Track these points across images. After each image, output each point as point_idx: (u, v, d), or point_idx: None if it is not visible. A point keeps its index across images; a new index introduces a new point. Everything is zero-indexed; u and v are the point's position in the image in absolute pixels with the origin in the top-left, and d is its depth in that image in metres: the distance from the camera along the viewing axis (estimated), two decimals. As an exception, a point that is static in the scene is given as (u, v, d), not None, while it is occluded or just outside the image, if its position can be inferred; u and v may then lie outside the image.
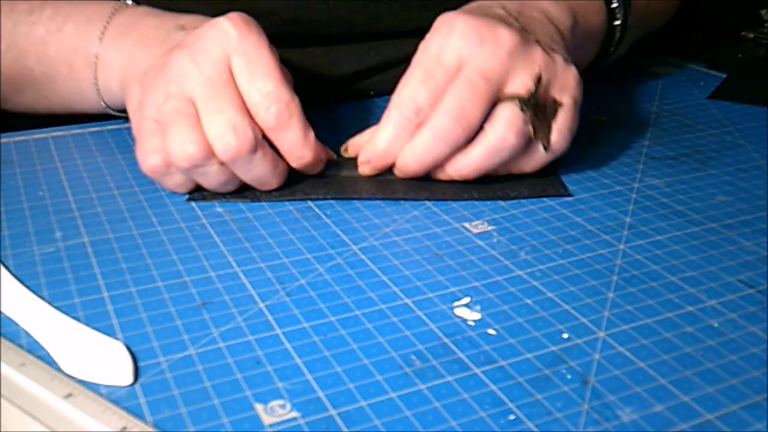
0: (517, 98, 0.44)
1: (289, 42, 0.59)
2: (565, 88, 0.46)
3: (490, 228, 0.43)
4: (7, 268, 0.38)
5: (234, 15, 0.45)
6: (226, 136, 0.42)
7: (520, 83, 0.44)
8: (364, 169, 0.46)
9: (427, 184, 0.46)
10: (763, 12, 0.80)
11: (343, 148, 0.48)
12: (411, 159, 0.44)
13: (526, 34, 0.46)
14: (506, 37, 0.44)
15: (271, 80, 0.43)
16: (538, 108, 0.44)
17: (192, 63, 0.43)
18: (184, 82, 0.43)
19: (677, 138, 0.56)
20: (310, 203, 0.45)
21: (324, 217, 0.44)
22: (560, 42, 0.49)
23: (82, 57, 0.51)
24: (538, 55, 0.45)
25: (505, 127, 0.44)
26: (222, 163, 0.43)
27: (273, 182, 0.45)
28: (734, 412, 0.30)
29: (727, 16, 0.86)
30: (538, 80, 0.44)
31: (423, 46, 0.46)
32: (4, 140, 0.52)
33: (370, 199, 0.46)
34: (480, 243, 0.41)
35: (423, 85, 0.44)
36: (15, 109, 0.56)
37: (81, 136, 0.53)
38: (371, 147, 0.45)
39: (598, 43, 0.58)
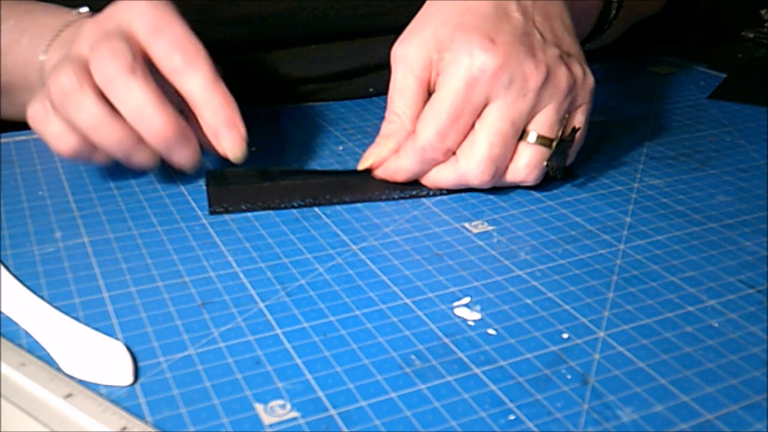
0: (542, 140, 0.44)
1: (286, 42, 0.59)
2: (582, 104, 0.46)
3: (490, 228, 0.43)
4: (7, 268, 0.38)
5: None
6: (103, 58, 0.40)
7: (545, 119, 0.44)
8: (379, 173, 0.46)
9: None
10: (763, 12, 0.80)
11: (361, 165, 0.47)
12: (428, 184, 0.46)
13: (550, 51, 0.44)
14: (534, 75, 0.43)
15: (178, 29, 0.42)
16: (559, 145, 0.45)
17: (93, 24, 0.43)
18: (80, 41, 0.42)
19: (677, 138, 0.56)
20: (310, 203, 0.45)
21: (324, 217, 0.44)
22: (572, 31, 0.47)
23: (32, 69, 0.51)
24: (563, 82, 0.44)
25: (525, 170, 0.44)
26: (99, 92, 0.40)
27: (162, 124, 0.41)
28: (734, 412, 0.30)
29: (727, 16, 0.86)
30: (564, 117, 0.44)
31: (448, 76, 0.43)
32: (4, 140, 0.52)
33: (386, 200, 0.46)
34: (480, 243, 0.41)
35: (453, 126, 0.43)
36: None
37: (81, 136, 0.53)
38: (392, 174, 0.46)
39: (594, 18, 0.58)
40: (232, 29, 0.56)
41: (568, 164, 0.47)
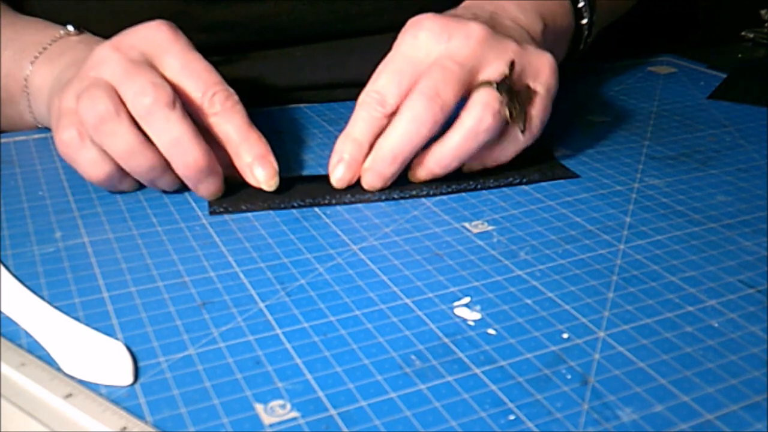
0: (492, 83, 0.44)
1: (266, 45, 0.59)
2: (539, 76, 0.46)
3: (490, 228, 0.43)
4: (7, 268, 0.38)
5: (161, 21, 0.45)
6: (144, 90, 0.41)
7: (494, 70, 0.45)
8: (337, 173, 0.45)
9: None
10: (763, 12, 0.80)
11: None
12: (388, 148, 0.44)
13: (496, 30, 0.46)
14: (476, 29, 0.45)
15: (212, 74, 0.44)
16: (513, 93, 0.45)
17: (114, 51, 0.43)
18: (104, 67, 0.43)
19: (677, 138, 0.56)
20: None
21: (324, 217, 0.44)
22: (532, 42, 0.49)
23: (16, 83, 0.51)
24: (510, 44, 0.46)
25: (482, 109, 0.44)
26: (134, 122, 0.41)
27: (197, 158, 0.42)
28: (734, 412, 0.30)
29: (727, 16, 0.86)
30: (512, 66, 0.45)
31: (393, 47, 0.46)
32: (4, 140, 0.52)
33: (378, 201, 0.46)
34: (480, 243, 0.41)
35: (391, 80, 0.44)
36: None
37: (81, 136, 0.53)
38: (342, 140, 0.45)
39: (568, 42, 0.59)
40: (210, 34, 0.56)
41: (536, 136, 0.47)
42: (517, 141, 0.46)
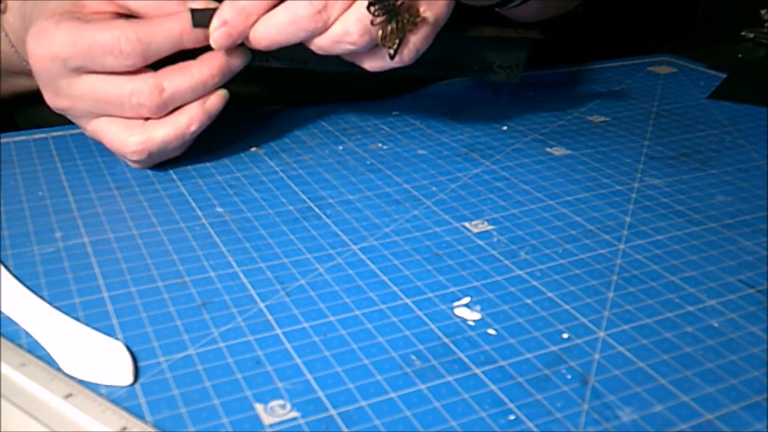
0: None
1: None
2: (434, 3, 0.45)
3: (490, 228, 0.43)
4: (7, 268, 0.38)
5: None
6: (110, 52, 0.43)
7: None
8: (217, 35, 0.44)
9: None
10: (763, 12, 0.80)
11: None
12: (262, 37, 0.44)
13: None
14: None
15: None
16: (395, 14, 0.43)
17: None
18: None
19: (677, 138, 0.56)
20: (309, 203, 0.45)
21: (324, 217, 0.44)
22: None
23: None
24: None
25: (353, 24, 0.43)
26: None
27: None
28: (734, 412, 0.30)
29: (727, 16, 0.86)
30: None
31: None
32: (4, 140, 0.52)
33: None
34: (480, 243, 0.41)
35: None
36: None
37: (81, 136, 0.53)
38: (229, 5, 0.44)
39: None
40: None
41: (407, 63, 0.46)
42: (384, 61, 0.45)
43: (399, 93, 0.62)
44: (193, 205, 0.45)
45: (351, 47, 0.44)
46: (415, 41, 0.45)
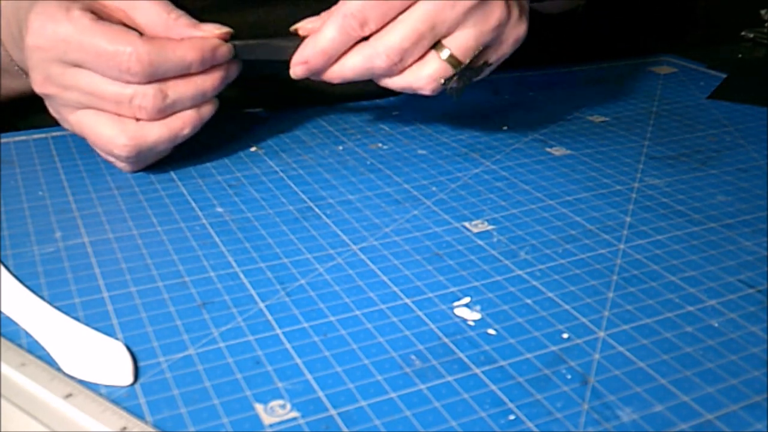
0: (453, 62, 0.45)
1: None
2: (502, 47, 0.47)
3: (490, 228, 0.43)
4: (7, 268, 0.38)
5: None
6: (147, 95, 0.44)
7: (462, 42, 0.45)
8: (297, 70, 0.47)
9: None
10: (763, 12, 0.80)
11: (293, 28, 0.48)
12: (336, 75, 0.47)
13: None
14: None
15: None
16: (466, 71, 0.46)
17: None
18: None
19: (677, 138, 0.56)
20: (309, 203, 0.45)
21: (324, 217, 0.44)
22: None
23: None
24: (495, 13, 0.45)
25: (425, 79, 0.46)
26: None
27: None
28: (734, 412, 0.30)
29: (727, 16, 0.86)
30: (480, 47, 0.45)
31: None
32: (4, 140, 0.52)
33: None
34: (480, 243, 0.41)
35: (377, 4, 0.45)
36: None
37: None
38: (311, 46, 0.46)
39: None
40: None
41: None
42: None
43: (399, 93, 0.62)
44: (193, 205, 0.45)
45: (417, 93, 0.47)
46: (476, 79, 0.47)
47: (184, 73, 0.45)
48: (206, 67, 0.45)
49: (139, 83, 0.43)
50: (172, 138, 0.46)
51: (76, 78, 0.44)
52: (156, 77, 0.44)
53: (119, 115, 0.45)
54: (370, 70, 0.46)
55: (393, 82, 0.47)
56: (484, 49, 0.46)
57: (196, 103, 0.46)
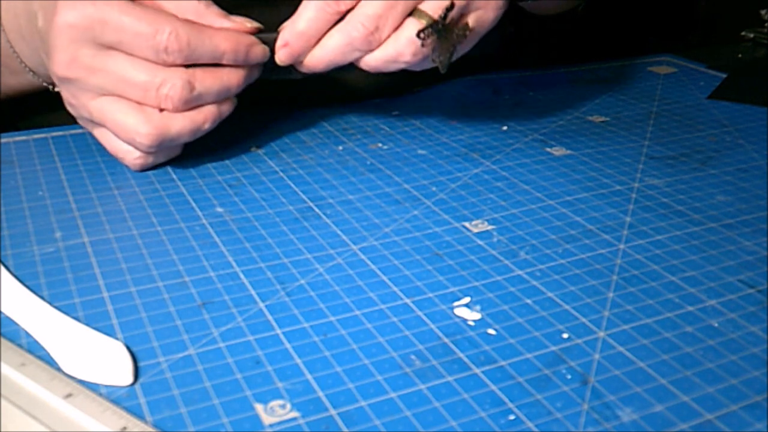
0: (426, 18, 0.45)
1: None
2: (481, 12, 0.47)
3: (490, 228, 0.43)
4: (7, 268, 0.38)
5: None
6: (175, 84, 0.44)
7: (435, 3, 0.45)
8: (280, 54, 0.47)
9: None
10: (763, 12, 0.80)
11: (281, 27, 0.48)
12: (318, 59, 0.47)
13: None
14: None
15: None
16: (445, 31, 0.45)
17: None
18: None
19: (677, 138, 0.56)
20: (309, 203, 0.45)
21: (324, 217, 0.44)
22: None
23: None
24: None
25: (405, 45, 0.45)
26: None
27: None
28: (734, 412, 0.30)
29: (727, 16, 0.86)
30: (452, 5, 0.45)
31: None
32: (4, 140, 0.52)
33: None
34: (480, 243, 0.41)
35: None
36: None
37: (81, 136, 0.53)
38: (290, 28, 0.47)
39: None
40: None
41: (453, 60, 0.47)
42: (428, 65, 0.47)
43: (399, 93, 0.62)
44: (193, 205, 0.45)
45: (403, 66, 0.46)
46: (460, 49, 0.47)
47: (215, 63, 0.45)
48: (237, 62, 0.46)
49: (173, 64, 0.43)
50: (194, 131, 0.46)
51: (106, 61, 0.43)
52: (190, 60, 0.44)
53: (142, 104, 0.44)
54: (350, 45, 0.46)
55: (375, 59, 0.46)
56: (464, 7, 0.46)
57: (220, 98, 0.46)
